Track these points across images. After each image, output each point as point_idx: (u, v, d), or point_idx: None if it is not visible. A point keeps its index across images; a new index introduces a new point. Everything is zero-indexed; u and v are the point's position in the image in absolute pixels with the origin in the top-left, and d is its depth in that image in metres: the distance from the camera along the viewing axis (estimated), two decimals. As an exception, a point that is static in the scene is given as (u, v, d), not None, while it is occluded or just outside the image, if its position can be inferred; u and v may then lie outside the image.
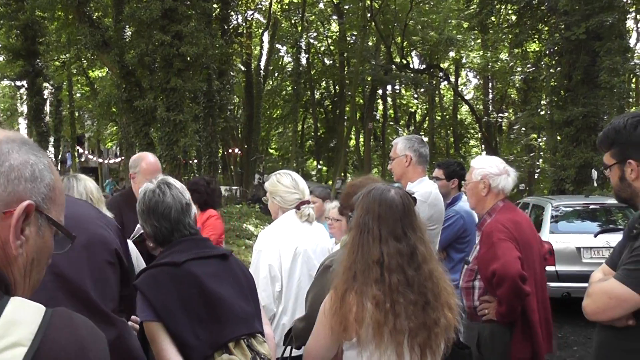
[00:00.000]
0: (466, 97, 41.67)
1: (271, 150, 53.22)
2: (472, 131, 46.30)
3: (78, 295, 1.98)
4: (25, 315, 1.11)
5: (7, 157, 1.21)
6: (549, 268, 9.17)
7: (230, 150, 41.17)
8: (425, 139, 43.00)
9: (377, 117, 45.49)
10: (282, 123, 49.09)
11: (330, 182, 36.95)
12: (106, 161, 52.02)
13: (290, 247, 3.81)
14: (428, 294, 2.38)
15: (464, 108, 43.94)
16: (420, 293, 2.37)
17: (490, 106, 38.16)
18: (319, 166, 49.07)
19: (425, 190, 4.26)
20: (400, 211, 2.45)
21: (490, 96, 39.25)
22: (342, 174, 38.80)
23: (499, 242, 3.59)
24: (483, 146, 39.11)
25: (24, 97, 35.07)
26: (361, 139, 42.82)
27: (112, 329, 2.07)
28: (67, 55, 32.29)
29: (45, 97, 32.74)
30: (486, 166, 3.99)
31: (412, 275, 2.37)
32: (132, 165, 4.68)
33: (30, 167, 1.23)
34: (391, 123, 45.96)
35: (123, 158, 36.01)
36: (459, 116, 45.30)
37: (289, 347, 3.33)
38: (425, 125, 46.45)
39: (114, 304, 2.11)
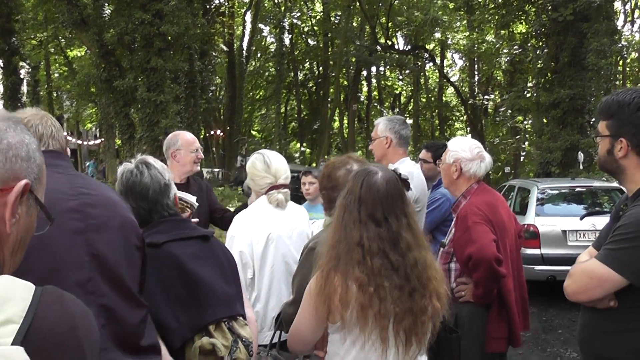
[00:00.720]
0: (452, 79, 41.52)
1: (254, 132, 53.04)
2: (457, 113, 46.21)
3: (113, 276, 2.00)
4: (16, 292, 1.12)
5: (4, 135, 1.23)
6: (534, 251, 9.40)
7: (212, 132, 41.13)
8: (410, 121, 42.23)
9: (362, 99, 45.07)
10: (265, 104, 48.71)
11: (315, 165, 36.59)
12: (85, 143, 51.79)
13: (263, 233, 3.71)
14: (414, 281, 2.37)
15: (450, 90, 43.84)
16: (407, 279, 2.35)
17: (476, 88, 38.11)
18: (303, 148, 48.82)
19: (407, 170, 4.20)
20: (382, 195, 2.41)
21: (476, 78, 39.19)
22: (326, 156, 38.45)
23: (474, 226, 3.63)
24: (468, 129, 39.11)
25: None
26: (345, 121, 42.44)
27: (141, 311, 2.12)
28: (44, 33, 32.24)
29: (21, 76, 32.34)
30: (459, 149, 4.02)
31: (396, 260, 2.35)
32: (171, 144, 4.76)
33: (25, 146, 1.26)
34: (376, 105, 45.60)
35: (103, 140, 35.79)
36: (444, 98, 45.05)
37: (278, 332, 3.32)
38: (410, 107, 46.25)
39: (137, 287, 2.17)
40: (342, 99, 41.74)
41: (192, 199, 3.60)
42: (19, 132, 1.26)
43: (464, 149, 4.01)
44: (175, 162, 4.72)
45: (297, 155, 47.74)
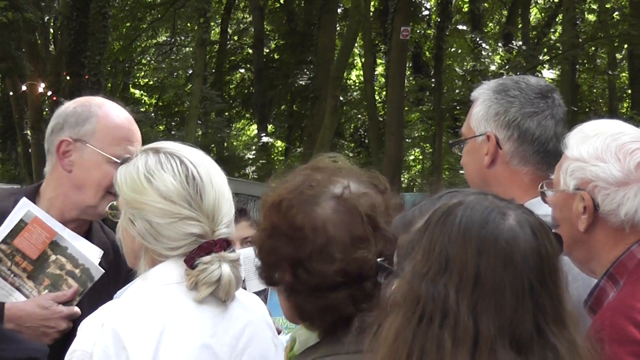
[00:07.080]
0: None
1: (136, 93, 50.85)
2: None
3: None
4: None
5: None
6: None
7: (24, 89, 38.30)
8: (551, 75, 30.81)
9: (426, 11, 43.54)
10: (166, 19, 44.94)
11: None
12: None
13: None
14: None
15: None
16: None
17: None
18: (266, 137, 45.67)
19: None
20: (536, 270, 2.31)
21: None
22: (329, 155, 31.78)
23: None
24: None
25: None
26: (380, 69, 40.88)
27: None
28: None
29: None
30: (593, 157, 3.59)
31: None
32: (70, 121, 4.43)
33: None
34: (462, 27, 42.44)
35: None
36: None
37: None
38: (554, 35, 40.13)
39: None
40: (371, 11, 40.14)
41: (91, 256, 3.91)
42: None
43: (606, 155, 3.58)
44: (62, 167, 4.26)
45: (252, 155, 46.85)
